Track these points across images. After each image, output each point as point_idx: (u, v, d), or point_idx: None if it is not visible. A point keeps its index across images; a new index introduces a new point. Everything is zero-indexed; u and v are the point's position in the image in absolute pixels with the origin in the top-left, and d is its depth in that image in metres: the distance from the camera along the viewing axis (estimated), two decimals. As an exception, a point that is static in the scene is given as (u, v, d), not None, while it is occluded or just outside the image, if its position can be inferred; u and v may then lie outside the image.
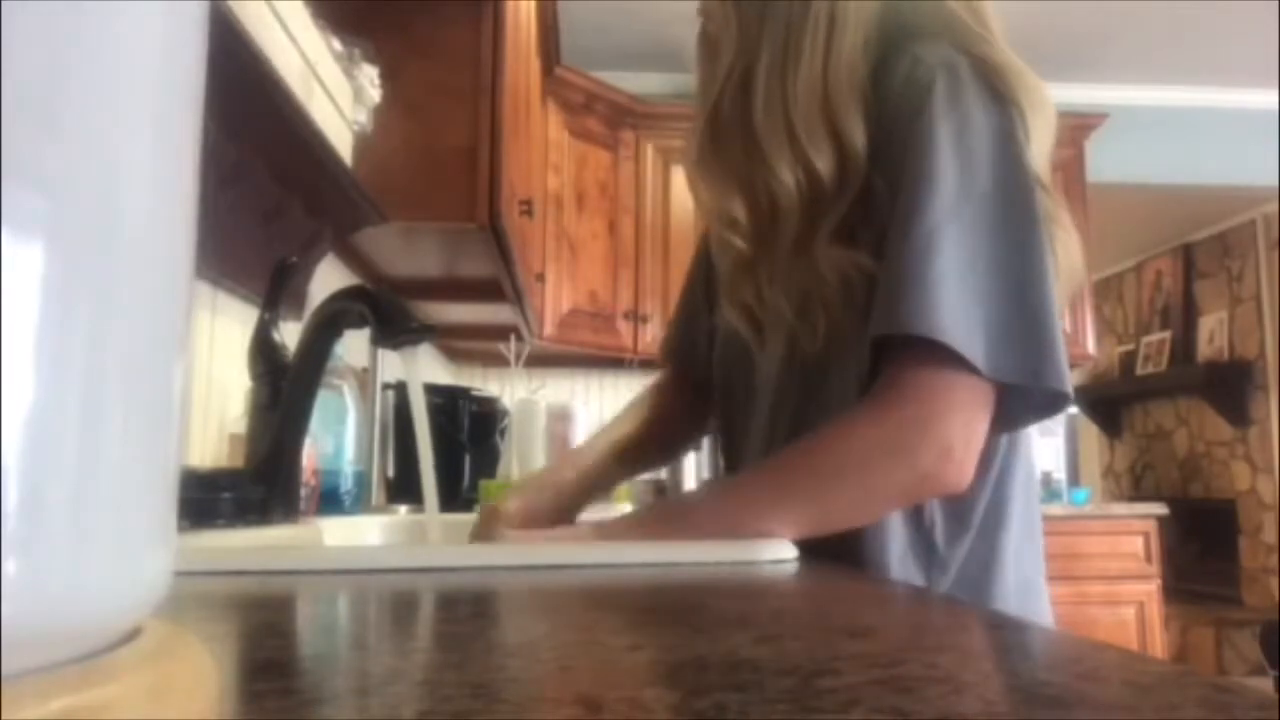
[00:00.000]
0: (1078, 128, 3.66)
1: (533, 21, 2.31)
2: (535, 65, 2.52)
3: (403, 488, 1.75)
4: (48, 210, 0.14)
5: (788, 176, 0.75)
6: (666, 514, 0.82)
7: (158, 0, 0.17)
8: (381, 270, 1.94)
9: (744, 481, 0.78)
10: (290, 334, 1.04)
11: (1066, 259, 0.77)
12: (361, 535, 1.23)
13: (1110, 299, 5.87)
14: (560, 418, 2.46)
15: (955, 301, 0.65)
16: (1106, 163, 3.75)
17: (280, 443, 0.95)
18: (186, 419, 0.55)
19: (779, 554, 0.65)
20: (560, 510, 0.97)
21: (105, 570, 0.15)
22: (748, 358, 0.88)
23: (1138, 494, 5.48)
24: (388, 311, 0.91)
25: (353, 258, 1.79)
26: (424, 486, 0.91)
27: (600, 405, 3.65)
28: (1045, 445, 3.78)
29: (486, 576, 0.58)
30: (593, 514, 1.00)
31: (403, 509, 1.57)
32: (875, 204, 0.73)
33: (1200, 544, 4.99)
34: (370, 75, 1.47)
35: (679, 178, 3.16)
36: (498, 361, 2.62)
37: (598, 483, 1.02)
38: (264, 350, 1.02)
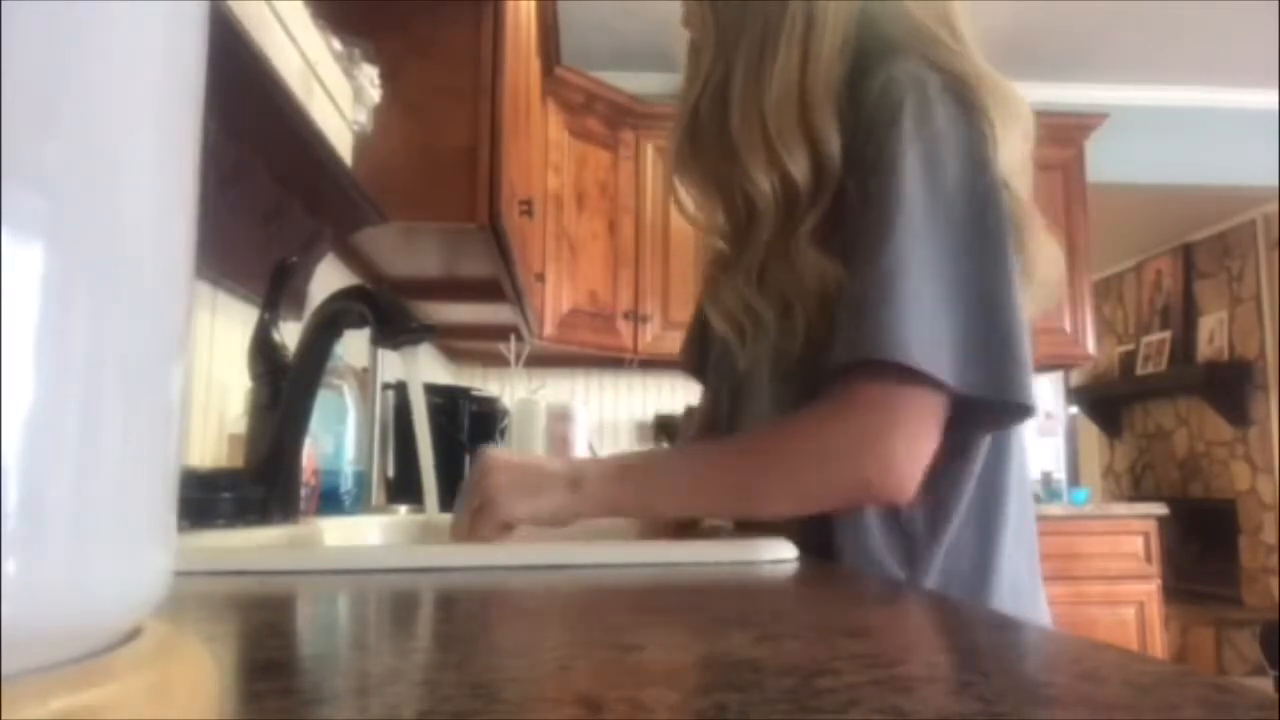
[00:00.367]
0: (1078, 128, 3.66)
1: (533, 21, 2.31)
2: (535, 65, 2.52)
3: (403, 488, 1.74)
4: (48, 210, 0.14)
5: (763, 181, 0.76)
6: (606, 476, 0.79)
7: (158, 0, 0.17)
8: (381, 270, 1.94)
9: (683, 459, 0.80)
10: (290, 334, 1.04)
11: (1043, 267, 0.77)
12: (361, 535, 1.23)
13: (1110, 299, 5.87)
14: (560, 418, 2.46)
15: (921, 321, 0.67)
16: (1106, 163, 3.75)
17: (280, 443, 0.95)
18: (186, 419, 0.55)
19: (779, 554, 0.65)
20: None
21: (105, 570, 0.15)
22: (733, 358, 0.89)
23: (1138, 494, 5.47)
24: (388, 311, 0.91)
25: (353, 258, 1.79)
26: (424, 486, 0.91)
27: (600, 405, 3.65)
28: (1045, 445, 3.79)
29: (486, 576, 0.58)
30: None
31: (403, 509, 1.57)
32: (849, 213, 0.74)
33: (1200, 544, 4.99)
34: (370, 75, 1.47)
35: (679, 178, 3.15)
36: (498, 361, 2.62)
37: None
38: (264, 350, 1.02)
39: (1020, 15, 3.36)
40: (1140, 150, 3.88)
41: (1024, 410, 0.70)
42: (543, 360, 3.04)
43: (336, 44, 1.34)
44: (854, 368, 0.70)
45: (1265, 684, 3.71)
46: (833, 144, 0.75)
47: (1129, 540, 3.16)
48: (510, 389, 2.39)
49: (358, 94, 1.45)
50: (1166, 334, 5.30)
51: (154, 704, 0.16)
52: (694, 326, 1.05)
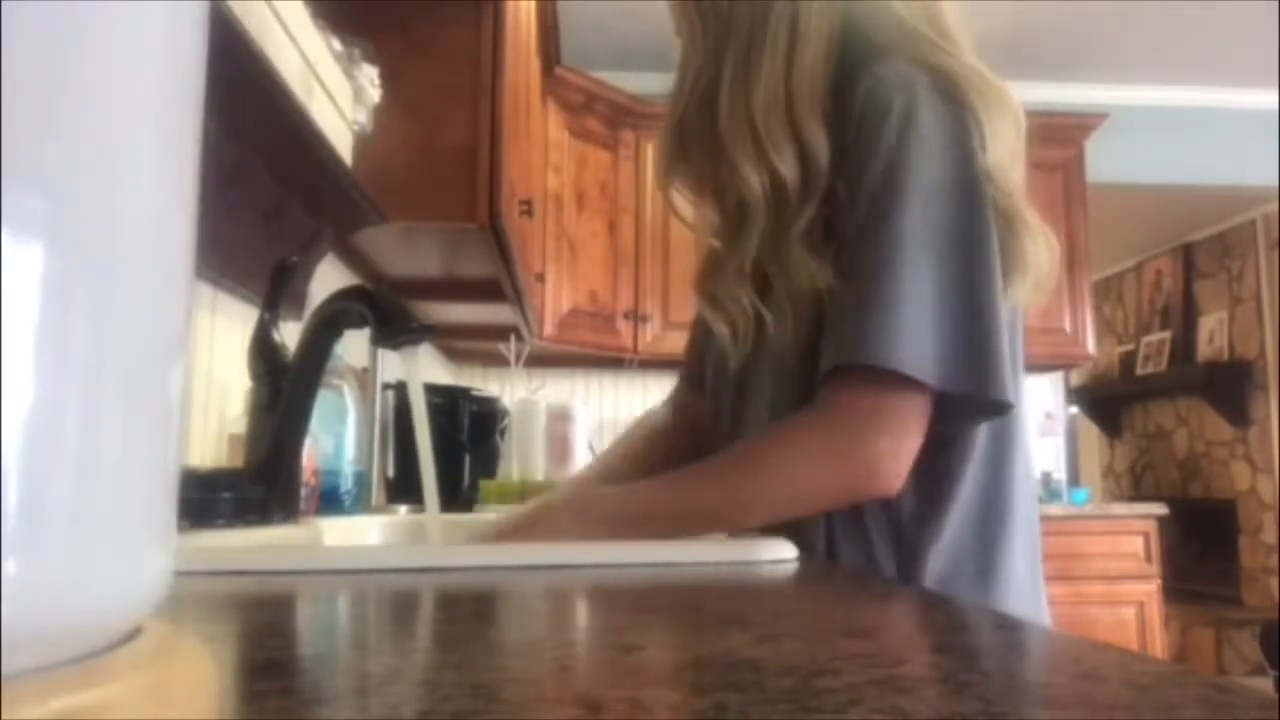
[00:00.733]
0: (1078, 128, 3.66)
1: (533, 21, 2.31)
2: (535, 65, 2.52)
3: (403, 488, 1.74)
4: (48, 210, 0.14)
5: (753, 178, 0.78)
6: (602, 509, 0.80)
7: (158, 0, 0.17)
8: (381, 270, 1.94)
9: (682, 482, 0.79)
10: (290, 334, 1.03)
11: (1035, 258, 0.78)
12: (361, 535, 1.23)
13: (1110, 299, 5.87)
14: (560, 418, 2.45)
15: (908, 324, 0.69)
16: (1106, 163, 3.75)
17: (280, 443, 0.95)
18: (186, 419, 0.55)
19: (779, 554, 0.65)
20: None
21: (105, 570, 0.15)
22: (725, 355, 0.90)
23: (1138, 494, 5.47)
24: (388, 311, 0.90)
25: (353, 258, 1.79)
26: (424, 486, 0.91)
27: (600, 405, 3.65)
28: (1045, 445, 3.79)
29: (486, 576, 0.58)
30: None
31: (403, 509, 1.57)
32: (839, 213, 0.76)
33: (1200, 544, 4.99)
34: (370, 75, 1.47)
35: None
36: (498, 361, 2.62)
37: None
38: (264, 350, 1.02)
39: (1020, 15, 3.36)
40: (1140, 150, 3.88)
41: (1004, 406, 0.72)
42: (543, 360, 3.04)
43: (336, 44, 1.34)
44: (842, 371, 0.72)
45: (1265, 684, 3.72)
46: (819, 145, 0.77)
47: (1129, 540, 3.16)
48: (510, 389, 2.39)
49: (358, 94, 1.45)
50: (1166, 334, 5.30)
51: (154, 704, 0.16)
52: (695, 336, 1.06)
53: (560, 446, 2.43)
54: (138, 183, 0.16)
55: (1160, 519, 3.20)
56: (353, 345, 1.33)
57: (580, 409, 2.53)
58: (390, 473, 1.79)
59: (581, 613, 0.47)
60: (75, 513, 0.15)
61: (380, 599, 0.50)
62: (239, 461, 1.05)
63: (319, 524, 1.06)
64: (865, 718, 0.22)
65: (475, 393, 2.08)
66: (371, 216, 1.43)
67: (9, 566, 0.13)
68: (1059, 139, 3.62)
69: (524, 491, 1.77)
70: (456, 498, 1.87)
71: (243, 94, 0.96)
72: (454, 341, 2.85)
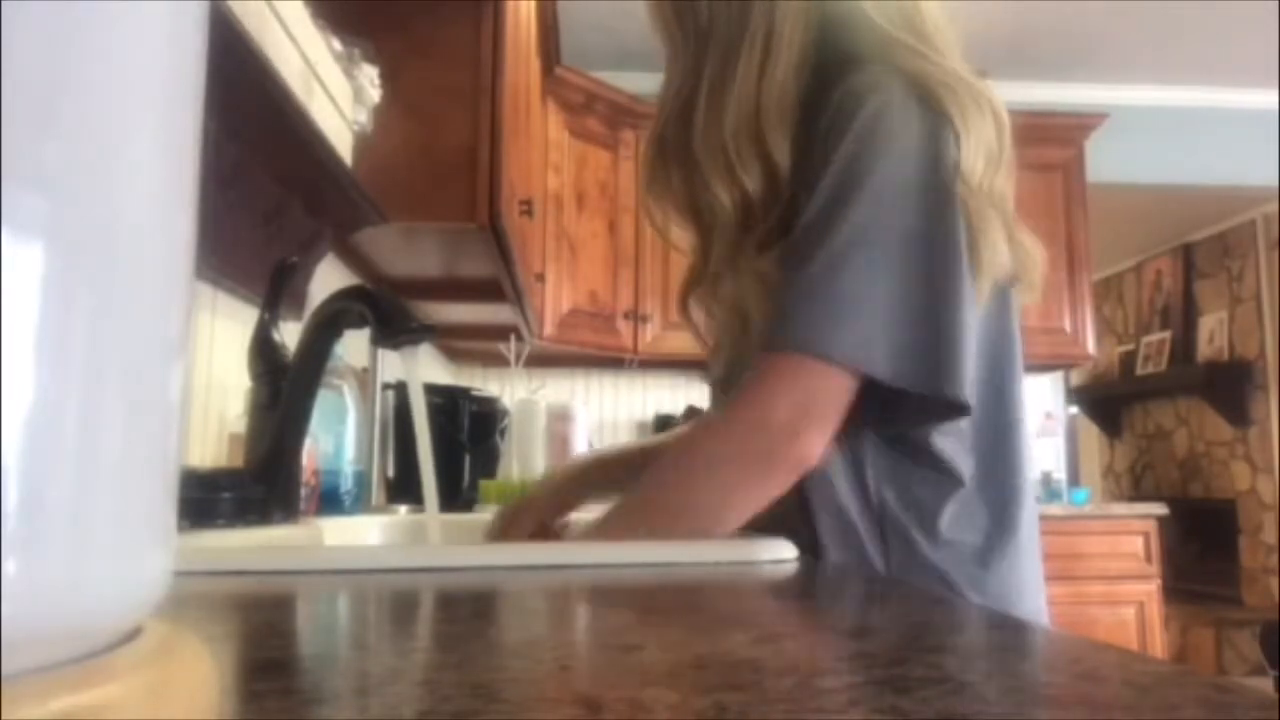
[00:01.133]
0: (1078, 128, 3.66)
1: (533, 21, 2.31)
2: (535, 65, 2.52)
3: (403, 488, 1.74)
4: (48, 210, 0.14)
5: (723, 195, 0.79)
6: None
7: (158, 1, 0.17)
8: (381, 270, 1.94)
9: (617, 514, 0.78)
10: (290, 334, 1.04)
11: (1006, 257, 0.78)
12: (361, 535, 1.23)
13: (1110, 299, 5.87)
14: (560, 418, 2.46)
15: (853, 314, 0.69)
16: (1106, 163, 3.74)
17: (280, 443, 0.95)
18: (186, 419, 0.55)
19: (779, 554, 0.65)
20: (562, 496, 1.04)
21: (105, 570, 0.15)
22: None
23: (1138, 494, 5.47)
24: (388, 311, 0.90)
25: (353, 258, 1.79)
26: (424, 486, 0.91)
27: (600, 405, 3.65)
28: (1045, 445, 3.79)
29: (486, 576, 0.58)
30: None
31: (403, 509, 1.57)
32: (796, 215, 0.76)
33: (1200, 544, 4.99)
34: (370, 75, 1.47)
35: (679, 178, 3.15)
36: (498, 361, 2.62)
37: (610, 475, 1.04)
38: (264, 350, 1.02)
39: (1020, 15, 3.36)
40: (1140, 150, 3.88)
41: (962, 407, 0.71)
42: (543, 360, 3.04)
43: (336, 44, 1.34)
44: (765, 357, 0.72)
45: (1265, 684, 3.72)
46: (783, 159, 0.78)
47: (1129, 540, 3.16)
48: (510, 389, 2.39)
49: (358, 94, 1.45)
50: (1166, 334, 5.29)
51: (154, 704, 0.16)
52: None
53: (560, 446, 2.43)
54: (138, 183, 0.16)
55: (1160, 519, 3.20)
56: (353, 345, 1.33)
57: (580, 409, 2.54)
58: (390, 473, 1.79)
59: (581, 613, 0.47)
60: (75, 513, 0.15)
61: (380, 599, 0.50)
62: (239, 461, 1.05)
63: (319, 524, 1.06)
64: (865, 718, 0.22)
65: (475, 393, 2.08)
66: (371, 216, 1.43)
67: (9, 566, 0.13)
68: (1059, 139, 3.62)
69: (524, 492, 1.78)
70: (456, 498, 1.87)
71: (243, 94, 0.96)
72: (454, 341, 2.85)
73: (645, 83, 3.47)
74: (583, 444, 2.49)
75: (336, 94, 1.35)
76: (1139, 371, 5.43)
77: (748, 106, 0.78)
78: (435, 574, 0.58)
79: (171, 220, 0.17)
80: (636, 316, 3.28)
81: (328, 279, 1.52)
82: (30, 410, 0.14)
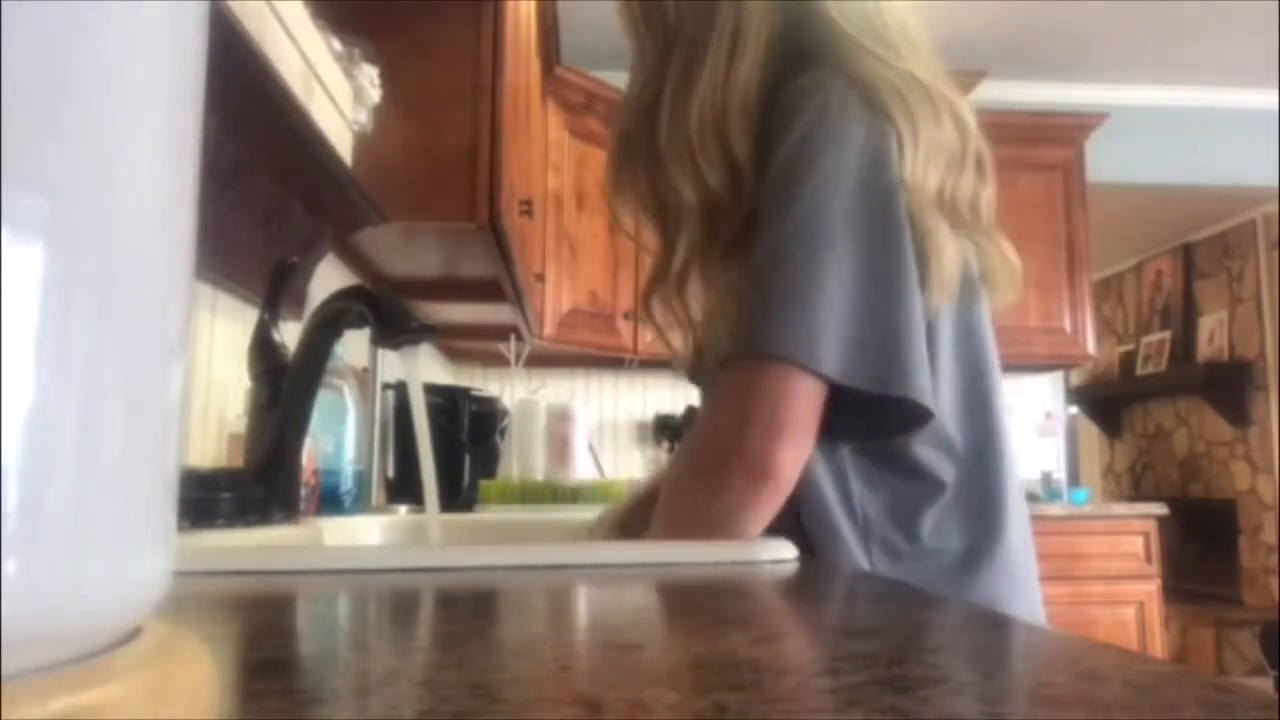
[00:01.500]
0: (1078, 128, 3.66)
1: (533, 21, 2.31)
2: (535, 65, 2.52)
3: (403, 488, 1.74)
4: (48, 210, 0.14)
5: (688, 192, 0.79)
6: None
7: (158, 1, 0.17)
8: (381, 270, 1.94)
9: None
10: (290, 334, 1.04)
11: (957, 257, 0.77)
12: (361, 535, 1.23)
13: (1110, 299, 5.87)
14: (560, 418, 2.45)
15: (799, 315, 0.68)
16: (1106, 163, 3.75)
17: (280, 443, 0.95)
18: (186, 419, 0.55)
19: (779, 554, 0.65)
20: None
21: (105, 570, 0.15)
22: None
23: (1138, 494, 5.47)
24: (388, 311, 0.90)
25: (353, 258, 1.79)
26: (424, 486, 0.91)
27: (600, 405, 3.65)
28: (1045, 445, 3.79)
29: (486, 576, 0.58)
30: None
31: (403, 509, 1.57)
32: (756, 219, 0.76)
33: (1200, 544, 4.99)
34: (370, 75, 1.47)
35: (679, 178, 3.15)
36: (498, 361, 2.62)
37: None
38: (264, 350, 1.02)
39: (1020, 15, 3.36)
40: (1140, 150, 3.88)
41: (920, 410, 0.70)
42: (543, 360, 3.04)
43: (336, 44, 1.34)
44: (733, 363, 0.71)
45: (1265, 684, 3.72)
46: (745, 156, 0.78)
47: (1129, 540, 3.16)
48: (510, 389, 2.39)
49: (358, 94, 1.45)
50: (1166, 334, 5.30)
51: (154, 704, 0.16)
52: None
53: (560, 446, 2.42)
54: (138, 183, 0.16)
55: (1160, 519, 3.20)
56: (353, 345, 1.33)
57: (580, 409, 2.53)
58: (390, 473, 1.79)
59: (581, 613, 0.47)
60: (75, 513, 0.15)
61: (380, 599, 0.50)
62: (239, 461, 1.05)
63: (319, 524, 1.06)
64: (865, 718, 0.22)
65: (475, 393, 2.08)
66: (371, 216, 1.43)
67: (9, 566, 0.13)
68: (1059, 139, 3.62)
69: (524, 492, 1.77)
70: (456, 498, 1.87)
71: (243, 94, 0.96)
72: (454, 341, 2.85)
73: (645, 83, 3.47)
74: (583, 444, 2.49)
75: (336, 94, 1.35)
76: (1139, 371, 5.43)
77: (712, 104, 0.78)
78: (435, 574, 0.58)
79: (171, 220, 0.17)
80: (636, 316, 3.28)
81: (328, 279, 1.52)
82: (30, 410, 0.14)
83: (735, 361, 0.71)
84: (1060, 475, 3.67)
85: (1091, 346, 3.66)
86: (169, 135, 0.17)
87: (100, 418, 0.15)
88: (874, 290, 0.70)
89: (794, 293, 0.69)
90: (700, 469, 0.73)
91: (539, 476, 2.17)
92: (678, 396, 3.58)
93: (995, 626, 0.43)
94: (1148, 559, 3.15)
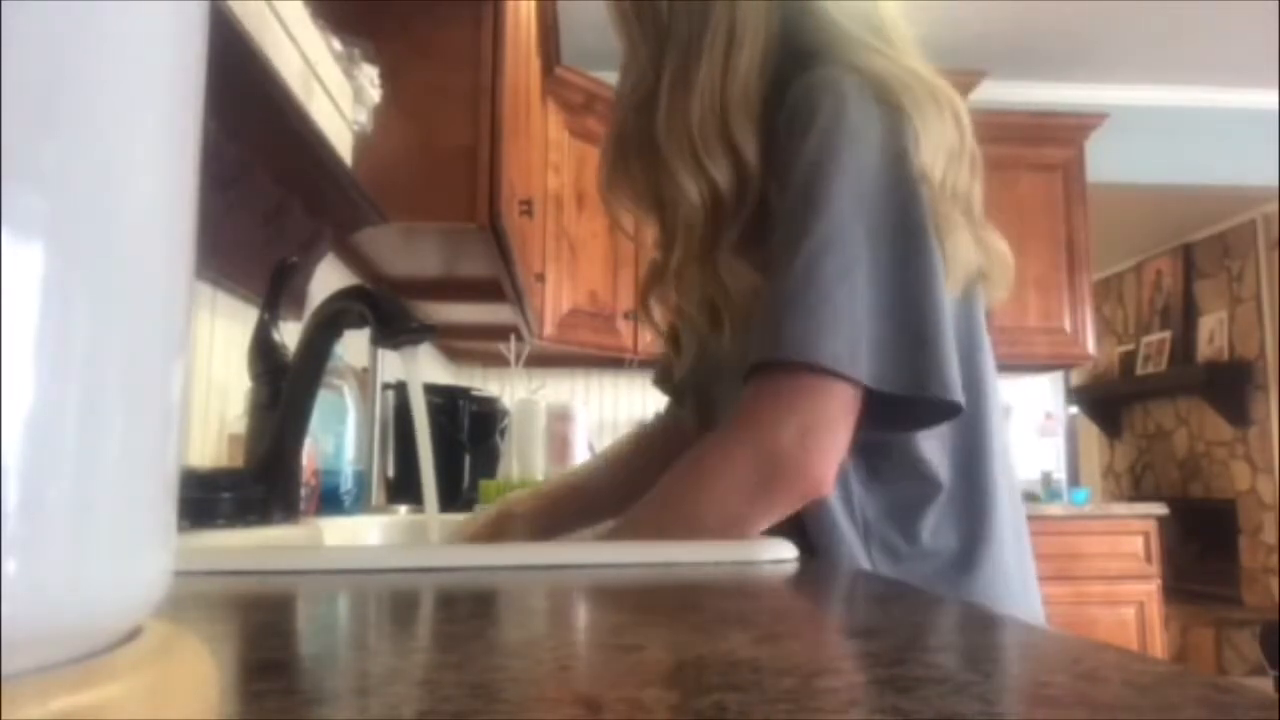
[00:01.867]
0: (1078, 128, 3.66)
1: (533, 21, 2.31)
2: (535, 65, 2.52)
3: (403, 488, 1.74)
4: (48, 210, 0.14)
5: (691, 189, 0.78)
6: None
7: (158, 1, 0.17)
8: (381, 270, 1.94)
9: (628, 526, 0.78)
10: (290, 334, 1.04)
11: (974, 253, 0.78)
12: (361, 535, 1.23)
13: (1110, 299, 5.87)
14: (560, 418, 2.45)
15: (833, 320, 0.67)
16: (1106, 163, 3.75)
17: (280, 443, 0.95)
18: (186, 419, 0.55)
19: (779, 554, 0.65)
20: (554, 523, 1.01)
21: (105, 570, 0.15)
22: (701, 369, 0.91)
23: (1138, 494, 5.47)
24: (388, 311, 0.91)
25: (353, 258, 1.79)
26: (424, 486, 0.91)
27: (600, 405, 3.65)
28: (1045, 445, 3.79)
29: (486, 576, 0.58)
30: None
31: (403, 509, 1.57)
32: (771, 219, 0.75)
33: (1200, 544, 4.99)
34: (370, 75, 1.47)
35: (679, 178, 3.15)
36: (498, 361, 2.62)
37: (593, 501, 1.03)
38: (264, 350, 1.02)
39: (1020, 15, 3.36)
40: (1140, 150, 3.88)
41: (951, 406, 0.70)
42: (543, 360, 3.04)
43: (336, 44, 1.34)
44: (762, 369, 0.70)
45: (1265, 684, 3.71)
46: (751, 152, 0.77)
47: (1129, 540, 3.16)
48: (510, 389, 2.39)
49: (358, 94, 1.45)
50: (1166, 334, 5.30)
51: (154, 704, 0.16)
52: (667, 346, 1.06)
53: (560, 446, 2.42)
54: (138, 183, 0.16)
55: (1160, 519, 3.20)
56: (353, 345, 1.33)
57: (580, 409, 2.53)
58: (390, 473, 1.79)
59: (581, 613, 0.47)
60: (75, 513, 0.15)
61: (380, 599, 0.50)
62: (239, 461, 1.05)
63: (319, 524, 1.06)
64: (865, 718, 0.22)
65: (475, 393, 2.08)
66: (371, 216, 1.43)
67: (9, 566, 0.13)
68: (1059, 139, 3.63)
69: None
70: (456, 498, 1.87)
71: (243, 94, 0.96)
72: (454, 341, 2.85)
73: (645, 83, 3.47)
74: (582, 444, 2.49)
75: (336, 94, 1.35)
76: (1139, 371, 5.43)
77: (712, 101, 0.78)
78: (435, 574, 0.58)
79: (171, 220, 0.17)
80: (636, 316, 3.28)
81: (328, 279, 1.52)
82: (30, 410, 0.14)
83: (774, 370, 0.70)
84: (1060, 475, 3.67)
85: (1091, 346, 3.66)
86: (169, 135, 0.17)
87: (100, 418, 0.15)
88: (906, 291, 0.70)
89: (831, 302, 0.68)
90: (753, 482, 0.70)
91: (539, 476, 2.17)
92: (678, 396, 3.57)
93: (995, 626, 0.43)
94: (1148, 559, 3.15)
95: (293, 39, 1.13)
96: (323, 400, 1.04)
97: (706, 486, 0.72)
